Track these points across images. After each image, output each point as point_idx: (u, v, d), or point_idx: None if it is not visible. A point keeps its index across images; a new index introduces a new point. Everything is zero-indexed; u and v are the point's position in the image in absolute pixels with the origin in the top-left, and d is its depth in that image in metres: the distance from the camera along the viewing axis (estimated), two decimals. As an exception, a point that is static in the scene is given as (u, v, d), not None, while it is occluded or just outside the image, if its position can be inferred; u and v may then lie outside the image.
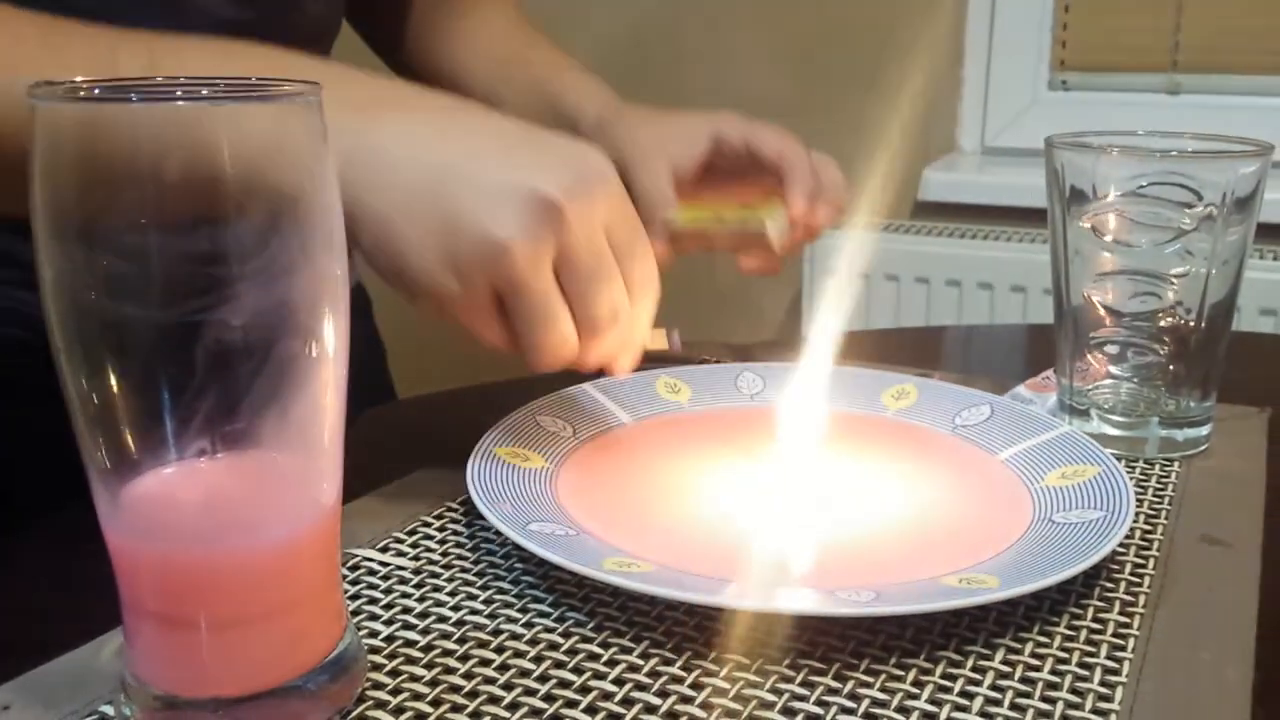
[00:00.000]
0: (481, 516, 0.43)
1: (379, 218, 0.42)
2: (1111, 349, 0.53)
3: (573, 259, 0.42)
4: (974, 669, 0.35)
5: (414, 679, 0.34)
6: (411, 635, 0.37)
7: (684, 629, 0.37)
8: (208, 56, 0.45)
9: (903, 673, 0.35)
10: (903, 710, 0.33)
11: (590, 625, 0.37)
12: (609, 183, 0.43)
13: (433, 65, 0.80)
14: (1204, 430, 0.53)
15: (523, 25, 0.82)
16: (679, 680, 0.34)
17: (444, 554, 0.42)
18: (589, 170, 0.43)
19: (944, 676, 0.35)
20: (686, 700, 0.33)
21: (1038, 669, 0.35)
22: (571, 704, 0.33)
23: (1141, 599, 0.39)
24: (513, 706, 0.33)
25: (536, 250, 0.41)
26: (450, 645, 0.36)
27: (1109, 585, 0.40)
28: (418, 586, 0.40)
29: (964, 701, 0.33)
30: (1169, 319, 0.52)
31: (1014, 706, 0.33)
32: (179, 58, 0.44)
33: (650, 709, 0.33)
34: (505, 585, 0.40)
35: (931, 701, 0.33)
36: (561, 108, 0.72)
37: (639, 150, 0.64)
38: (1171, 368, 0.53)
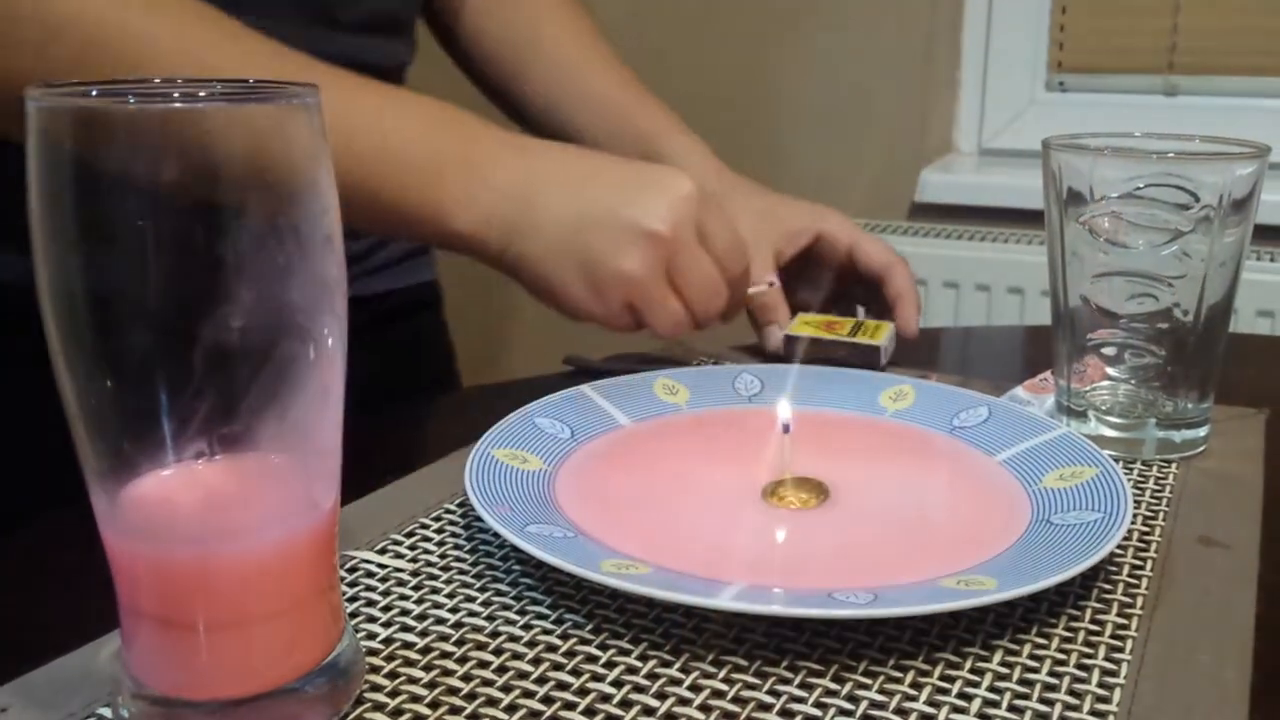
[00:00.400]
0: (479, 518, 0.43)
1: (535, 260, 0.57)
2: (1109, 351, 0.54)
3: (680, 267, 0.57)
4: (972, 670, 0.35)
5: (412, 681, 0.34)
6: (410, 637, 0.37)
7: (682, 630, 0.37)
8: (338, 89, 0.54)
9: (901, 674, 0.35)
10: (901, 712, 0.33)
11: (589, 627, 0.37)
12: (694, 200, 0.57)
13: (528, 100, 0.81)
14: (1202, 432, 0.53)
15: (603, 49, 0.82)
16: (677, 682, 0.34)
17: (442, 556, 0.42)
18: (680, 197, 0.57)
19: (942, 678, 0.35)
20: (685, 702, 0.33)
21: (1035, 670, 0.35)
22: (570, 705, 0.33)
23: (1139, 600, 0.39)
24: (511, 708, 0.33)
25: (655, 271, 0.56)
26: (448, 647, 0.36)
27: (1107, 587, 0.40)
28: (416, 588, 0.40)
29: (962, 703, 0.33)
30: (1166, 321, 0.52)
31: (1012, 708, 0.33)
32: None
33: (649, 710, 0.33)
34: (503, 587, 0.40)
35: (929, 703, 0.33)
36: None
37: (744, 233, 0.67)
38: (1169, 369, 0.53)
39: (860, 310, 0.74)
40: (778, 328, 0.67)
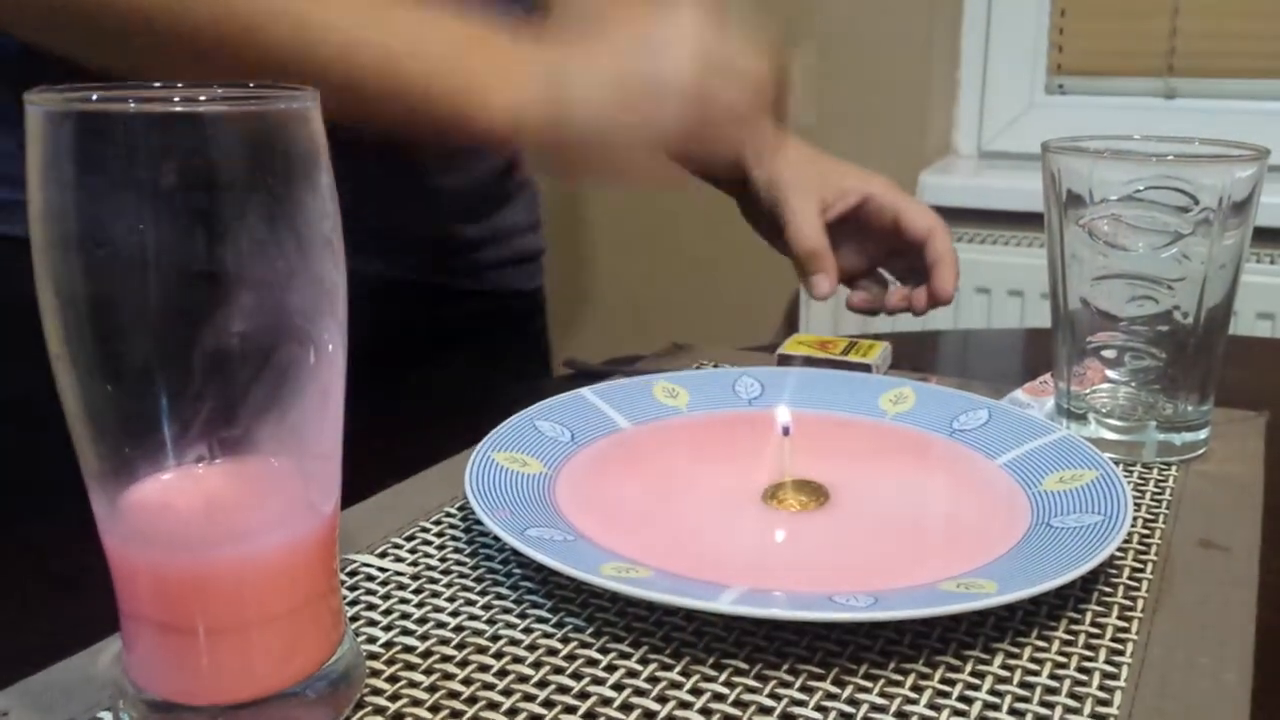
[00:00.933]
0: (480, 522, 0.43)
1: (584, 100, 0.54)
2: (1109, 353, 0.54)
3: (726, 72, 0.55)
4: (972, 673, 0.35)
5: (412, 685, 0.34)
6: (410, 641, 0.37)
7: (682, 634, 0.37)
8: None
9: (901, 677, 0.35)
10: (901, 715, 0.33)
11: (589, 630, 0.37)
12: (700, 42, 0.55)
13: None
14: (1202, 434, 0.53)
15: None
16: (678, 685, 0.34)
17: (442, 560, 0.42)
18: (691, 46, 0.55)
19: (942, 681, 0.35)
20: (685, 705, 0.33)
21: (1036, 674, 0.35)
22: (570, 709, 0.33)
23: (1140, 603, 0.39)
24: (511, 712, 0.33)
25: (709, 78, 0.54)
26: (449, 651, 0.36)
27: (1107, 590, 0.40)
28: (416, 592, 0.40)
29: (962, 706, 0.33)
30: (1166, 323, 0.52)
31: (1012, 711, 0.33)
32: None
33: (649, 714, 0.33)
34: (504, 591, 0.40)
35: (930, 706, 0.33)
36: None
37: (794, 187, 0.67)
38: (1169, 372, 0.53)
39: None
40: (825, 277, 0.67)
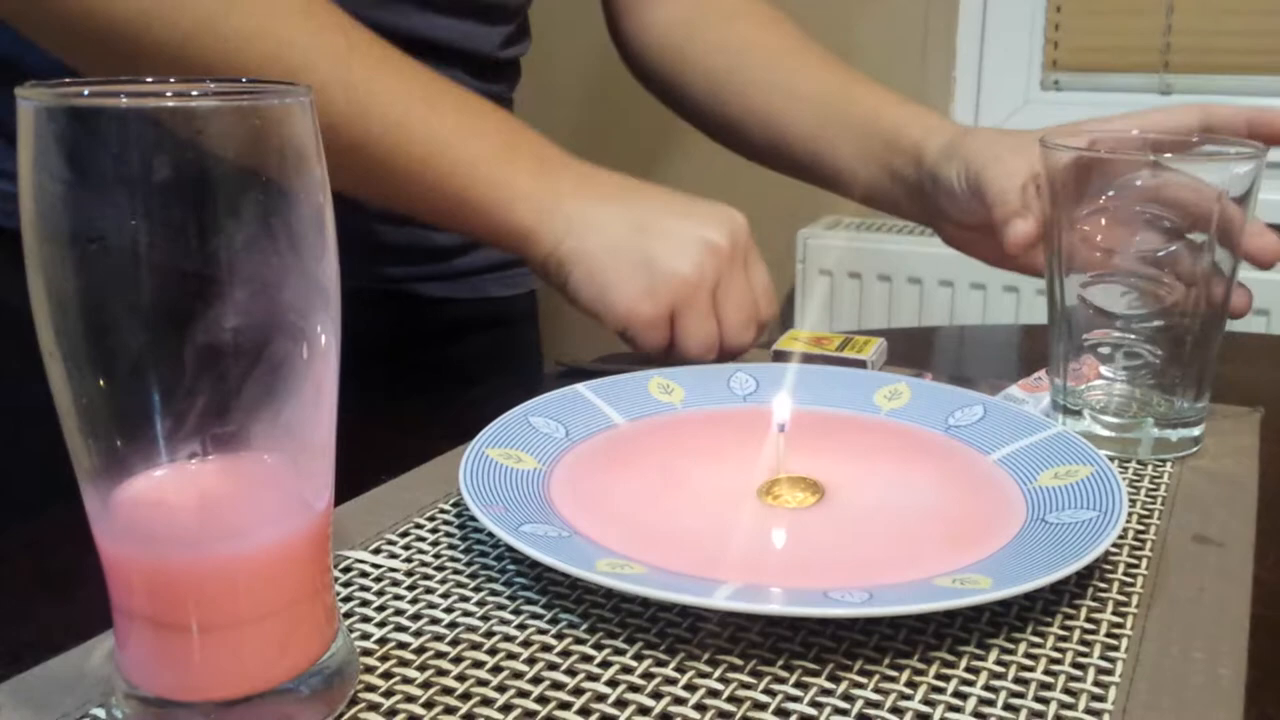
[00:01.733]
0: (474, 518, 0.43)
1: (591, 256, 0.58)
2: (1104, 350, 0.54)
3: (727, 285, 0.60)
4: (967, 669, 0.35)
5: (406, 681, 0.34)
6: (404, 637, 0.37)
7: (677, 630, 0.37)
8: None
9: (896, 673, 0.35)
10: (896, 711, 0.33)
11: (583, 627, 0.37)
12: (746, 229, 0.61)
13: (740, 104, 0.79)
14: (1196, 431, 0.53)
15: (799, 36, 0.80)
16: (672, 682, 0.34)
17: (436, 556, 0.42)
18: (737, 223, 0.60)
19: (938, 677, 0.35)
20: (680, 702, 0.33)
21: (1031, 669, 0.35)
22: (565, 705, 0.33)
23: (1135, 599, 0.39)
24: (506, 708, 0.33)
25: (707, 279, 0.58)
26: (443, 647, 0.36)
27: (1102, 585, 0.40)
28: (410, 588, 0.40)
29: (957, 702, 0.33)
30: (1163, 319, 0.52)
31: (1008, 707, 0.33)
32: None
33: (644, 710, 0.33)
34: (498, 587, 0.40)
35: (925, 702, 0.33)
36: (901, 141, 0.71)
37: (993, 155, 0.64)
38: (1165, 369, 0.53)
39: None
40: (1020, 221, 0.60)
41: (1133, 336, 0.53)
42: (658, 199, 0.61)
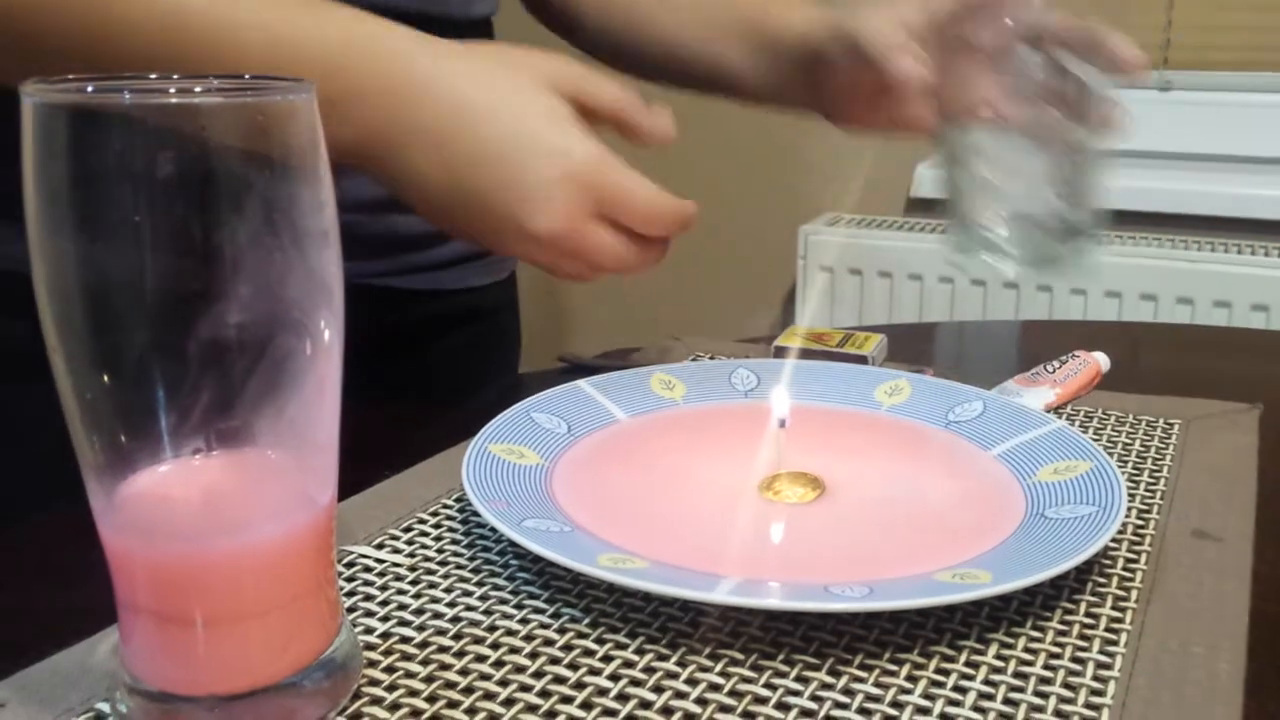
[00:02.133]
0: (477, 513, 0.43)
1: (430, 209, 0.52)
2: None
3: (584, 253, 0.52)
4: (967, 664, 0.35)
5: (410, 675, 0.34)
6: (407, 632, 0.37)
7: (679, 625, 0.37)
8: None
9: (896, 668, 0.35)
10: (896, 705, 0.33)
11: (585, 621, 0.37)
12: (584, 175, 0.50)
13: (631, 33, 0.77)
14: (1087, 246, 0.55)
15: None
16: (674, 676, 0.34)
17: (439, 551, 0.42)
18: (565, 176, 0.50)
19: (937, 671, 0.35)
20: (681, 695, 0.33)
21: (1030, 664, 0.35)
22: (567, 699, 0.33)
23: (1134, 594, 0.39)
24: (508, 702, 0.33)
25: (554, 260, 0.52)
26: (446, 642, 0.36)
27: (1101, 580, 0.40)
28: (413, 583, 0.40)
29: (957, 696, 0.33)
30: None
31: (1007, 701, 0.33)
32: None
33: (645, 704, 0.33)
34: (501, 582, 0.40)
35: (925, 696, 0.33)
36: (786, 35, 0.69)
37: (864, 16, 0.62)
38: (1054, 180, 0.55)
39: None
40: (904, 56, 0.59)
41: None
42: (481, 170, 0.50)
